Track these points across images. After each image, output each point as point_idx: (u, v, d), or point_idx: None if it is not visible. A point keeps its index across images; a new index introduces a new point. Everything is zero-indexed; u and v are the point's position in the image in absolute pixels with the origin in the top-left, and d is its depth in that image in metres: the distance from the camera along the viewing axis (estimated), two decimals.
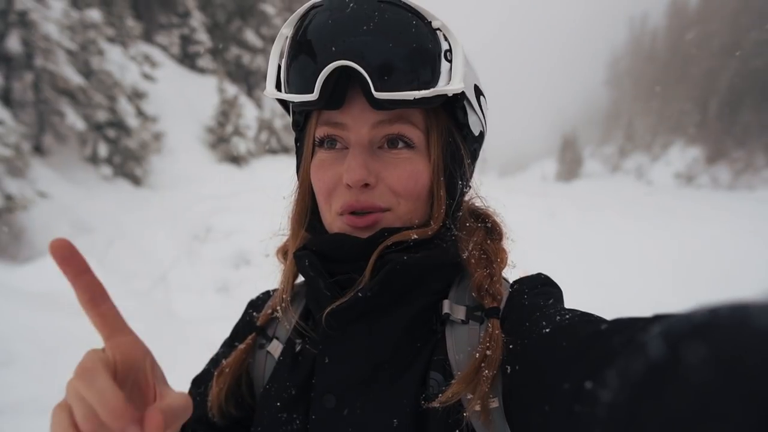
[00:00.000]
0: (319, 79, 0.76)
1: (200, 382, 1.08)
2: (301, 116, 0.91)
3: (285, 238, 1.01)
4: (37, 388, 3.96)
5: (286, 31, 0.85)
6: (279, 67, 0.87)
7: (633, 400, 0.40)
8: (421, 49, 0.78)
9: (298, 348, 0.94)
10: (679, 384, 0.35)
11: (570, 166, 70.36)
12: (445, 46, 0.81)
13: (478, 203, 0.99)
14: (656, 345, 0.40)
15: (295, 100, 0.82)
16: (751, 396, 0.31)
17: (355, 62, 0.75)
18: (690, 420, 0.33)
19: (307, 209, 0.95)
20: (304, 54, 0.80)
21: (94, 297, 0.62)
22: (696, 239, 12.39)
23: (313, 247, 0.89)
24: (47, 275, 6.77)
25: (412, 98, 0.77)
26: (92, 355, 0.59)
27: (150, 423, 0.56)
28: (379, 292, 0.81)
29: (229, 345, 1.07)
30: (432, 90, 0.78)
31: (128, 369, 0.61)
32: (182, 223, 13.35)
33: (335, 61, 0.75)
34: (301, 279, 0.99)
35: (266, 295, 1.11)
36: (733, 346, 0.33)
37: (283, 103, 0.94)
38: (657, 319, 0.48)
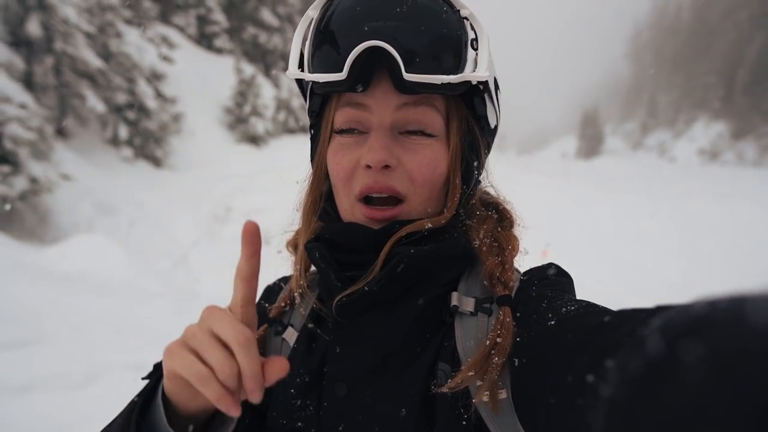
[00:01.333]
0: (349, 58, 0.76)
1: None
2: (318, 100, 0.90)
3: (295, 230, 1.01)
4: (67, 364, 4.08)
5: (312, 12, 0.85)
6: (302, 48, 0.86)
7: (632, 398, 0.40)
8: (450, 35, 0.79)
9: (315, 334, 0.95)
10: (676, 383, 0.36)
11: (590, 143, 69.32)
12: (471, 34, 0.82)
13: (490, 191, 0.99)
14: (655, 341, 0.40)
15: (322, 80, 0.81)
16: (747, 398, 0.31)
17: (388, 43, 0.75)
18: (688, 421, 0.34)
19: (322, 196, 0.95)
20: (333, 34, 0.80)
21: (253, 275, 0.70)
22: (720, 218, 12.18)
23: (326, 234, 0.90)
24: (73, 256, 6.94)
25: (439, 82, 0.77)
26: (233, 322, 0.65)
27: (275, 366, 0.65)
28: (386, 285, 0.82)
29: None
30: (459, 76, 0.78)
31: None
32: (203, 204, 13.52)
33: (367, 41, 0.75)
34: (314, 269, 0.99)
35: (283, 282, 1.11)
36: (730, 344, 0.33)
37: (301, 87, 0.93)
38: (658, 311, 0.48)
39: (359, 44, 0.75)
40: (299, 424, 0.89)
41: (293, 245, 1.01)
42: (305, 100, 0.94)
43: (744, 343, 0.32)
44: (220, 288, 8.82)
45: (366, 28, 0.77)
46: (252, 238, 0.68)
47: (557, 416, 0.57)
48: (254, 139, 21.63)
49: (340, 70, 0.77)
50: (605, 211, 13.64)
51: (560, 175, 20.51)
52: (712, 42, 71.68)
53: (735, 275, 8.67)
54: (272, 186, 12.81)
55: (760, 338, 0.32)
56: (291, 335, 0.98)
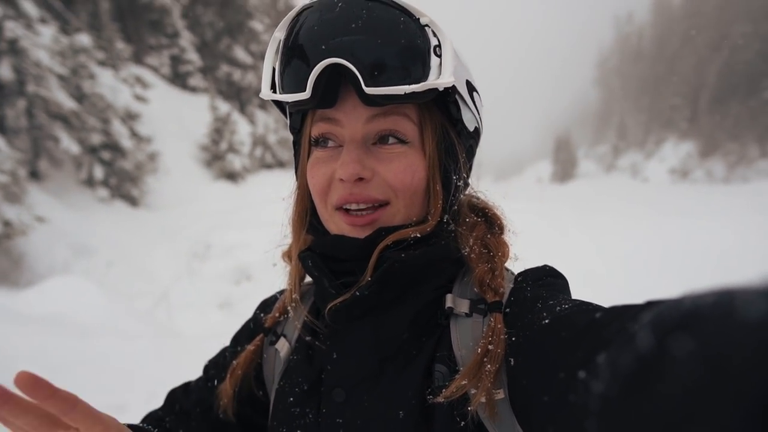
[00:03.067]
0: (310, 77, 0.77)
1: (209, 369, 1.12)
2: (298, 117, 0.91)
3: (289, 242, 1.02)
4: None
5: (279, 34, 0.87)
6: (273, 69, 0.88)
7: (623, 395, 0.41)
8: (410, 44, 0.79)
9: (309, 344, 0.96)
10: (667, 379, 0.36)
11: (564, 167, 70.47)
12: (434, 41, 0.82)
13: (479, 196, 0.99)
14: (645, 336, 0.41)
15: (290, 100, 0.82)
16: (737, 394, 0.31)
17: (345, 59, 0.76)
18: (679, 416, 0.34)
19: (307, 210, 0.96)
20: (296, 55, 0.82)
21: (66, 408, 0.66)
22: (693, 235, 12.44)
23: (317, 249, 0.91)
24: (50, 298, 6.81)
25: (402, 93, 0.78)
26: None
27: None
28: (378, 290, 0.82)
29: (237, 341, 1.11)
30: (422, 84, 0.78)
31: None
32: (181, 242, 13.39)
33: (325, 59, 0.76)
34: (309, 279, 1.01)
35: (279, 294, 1.12)
36: (720, 339, 0.34)
37: (280, 106, 0.95)
38: (648, 306, 0.49)
39: (318, 63, 0.77)
40: (298, 431, 0.90)
41: (288, 256, 1.02)
42: (286, 117, 0.96)
43: (734, 337, 0.33)
44: (201, 326, 8.72)
45: (323, 47, 0.78)
46: (27, 386, 0.63)
47: (551, 414, 0.58)
48: (231, 176, 21.60)
49: (304, 90, 0.79)
50: (581, 231, 13.84)
51: (536, 199, 20.77)
52: (674, 65, 74.28)
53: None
54: (251, 221, 12.76)
55: (749, 332, 0.32)
56: (283, 345, 0.99)
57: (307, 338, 0.95)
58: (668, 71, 77.05)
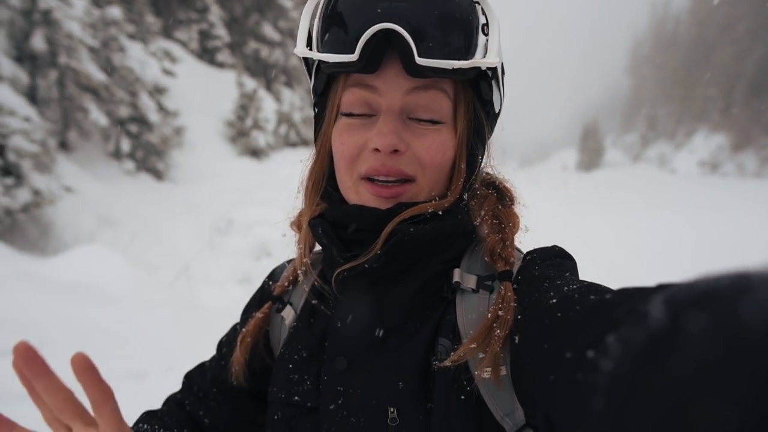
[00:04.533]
0: (362, 39, 0.75)
1: (222, 346, 1.13)
2: (323, 79, 0.88)
3: (298, 211, 1.01)
4: (68, 372, 4.08)
5: None
6: (311, 25, 0.86)
7: (634, 371, 0.40)
8: (462, 20, 0.79)
9: (314, 310, 0.96)
10: (680, 355, 0.35)
11: (591, 155, 69.28)
12: (482, 19, 0.82)
13: (489, 171, 0.99)
14: (658, 314, 0.40)
15: (332, 60, 0.79)
16: (752, 370, 0.30)
17: (401, 26, 0.74)
18: (691, 392, 0.33)
19: (324, 176, 0.95)
20: (345, 14, 0.79)
21: (99, 400, 0.72)
22: (721, 229, 12.18)
23: (330, 218, 0.89)
24: (75, 266, 6.97)
25: (451, 68, 0.77)
26: None
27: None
28: (386, 262, 0.82)
29: (246, 312, 1.12)
30: (471, 61, 0.78)
31: None
32: (204, 216, 13.56)
33: (380, 23, 0.74)
34: (318, 248, 1.00)
35: (288, 263, 1.12)
36: (734, 317, 0.33)
37: (306, 64, 0.92)
38: (660, 288, 0.48)
39: (372, 26, 0.74)
40: (296, 398, 0.90)
41: (297, 225, 1.01)
42: (310, 79, 0.93)
43: (750, 314, 0.32)
44: (220, 299, 8.86)
45: (379, 10, 0.76)
46: (25, 357, 0.69)
47: (556, 392, 0.57)
48: (255, 152, 21.71)
49: (352, 52, 0.76)
50: (606, 221, 13.67)
51: (561, 186, 20.56)
52: (711, 55, 72.05)
53: None
54: (273, 198, 12.85)
55: (765, 306, 0.32)
56: (288, 313, 1.00)
57: (314, 302, 0.95)
58: (704, 61, 74.83)
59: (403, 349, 0.83)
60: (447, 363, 0.76)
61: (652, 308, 0.42)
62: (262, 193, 14.28)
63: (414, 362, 0.81)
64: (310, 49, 0.85)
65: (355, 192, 0.88)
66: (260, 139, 21.76)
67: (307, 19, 0.85)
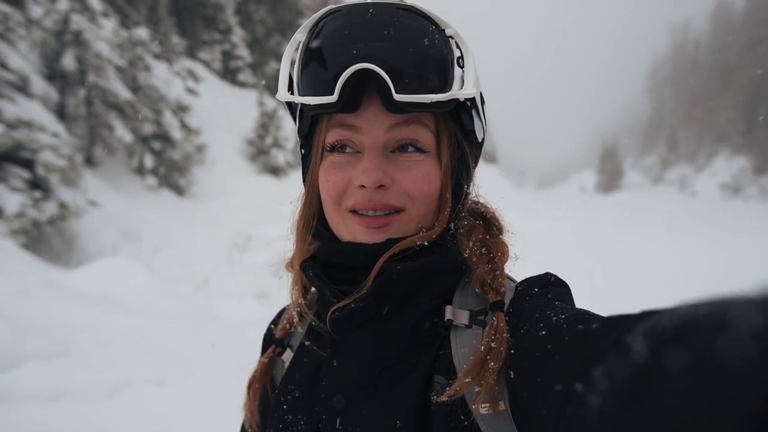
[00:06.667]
0: (340, 80, 0.76)
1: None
2: (307, 121, 0.90)
3: (292, 252, 1.02)
4: (92, 376, 4.25)
5: (299, 36, 0.86)
6: (291, 71, 0.87)
7: (619, 409, 0.41)
8: (437, 55, 0.81)
9: (307, 350, 0.97)
10: (663, 392, 0.36)
11: (610, 177, 68.74)
12: (457, 53, 0.83)
13: (477, 201, 1.00)
14: (640, 349, 0.41)
15: (312, 103, 0.81)
16: (732, 405, 0.31)
17: (377, 65, 0.76)
18: (677, 430, 0.34)
19: (315, 216, 0.96)
20: (322, 57, 0.81)
21: None
22: (743, 253, 11.97)
23: (322, 256, 0.91)
24: (99, 277, 7.13)
25: (429, 101, 0.79)
26: None
27: None
28: (375, 301, 0.83)
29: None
30: (448, 94, 0.80)
31: None
32: (223, 232, 13.73)
33: (356, 63, 0.76)
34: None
35: (287, 307, 1.12)
36: (715, 351, 0.34)
37: (290, 109, 0.94)
38: (643, 316, 0.49)
39: (349, 67, 0.76)
40: None
41: (290, 267, 1.02)
42: (295, 122, 0.95)
43: (728, 349, 0.33)
44: (238, 312, 8.94)
45: (355, 51, 0.78)
46: None
47: (549, 426, 0.58)
48: (274, 170, 22.00)
49: (331, 93, 0.78)
50: (625, 244, 13.53)
51: (580, 208, 20.41)
52: (732, 77, 71.52)
53: None
54: (291, 215, 12.92)
55: (743, 344, 0.32)
56: (288, 356, 1.02)
57: (307, 343, 0.96)
58: (725, 82, 74.22)
59: (400, 387, 0.83)
60: (444, 398, 0.76)
61: (635, 341, 0.43)
62: (280, 210, 14.37)
63: (411, 400, 0.81)
64: (292, 94, 0.87)
65: (344, 226, 0.89)
66: (279, 157, 22.06)
67: (286, 65, 0.87)
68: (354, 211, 0.86)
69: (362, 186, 0.82)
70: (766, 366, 0.31)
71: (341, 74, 0.76)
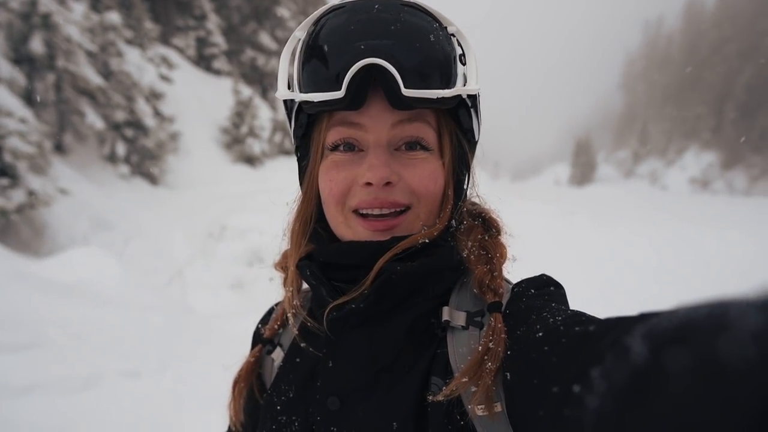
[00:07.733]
0: (347, 75, 0.76)
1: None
2: (304, 121, 0.89)
3: (283, 252, 1.01)
4: (65, 369, 4.16)
5: (299, 33, 0.86)
6: (291, 68, 0.87)
7: (618, 410, 0.41)
8: (442, 51, 0.81)
9: (300, 350, 0.96)
10: (663, 394, 0.36)
11: (583, 170, 69.87)
12: (459, 50, 0.85)
13: (475, 200, 0.99)
14: (639, 349, 0.41)
15: (317, 99, 0.80)
16: (732, 407, 0.31)
17: (385, 60, 0.76)
18: (676, 430, 0.34)
19: (312, 217, 0.95)
20: (326, 53, 0.80)
21: None
22: (711, 245, 12.30)
23: (319, 257, 0.89)
24: (70, 267, 6.99)
25: (435, 97, 0.79)
26: None
27: None
28: (374, 302, 0.82)
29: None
30: (453, 90, 0.81)
31: None
32: (198, 222, 13.57)
33: (364, 58, 0.75)
34: (305, 287, 1.01)
35: (274, 307, 1.12)
36: (715, 352, 0.33)
37: (286, 108, 0.93)
38: (642, 318, 0.49)
39: (357, 62, 0.75)
40: None
41: (282, 266, 1.01)
42: (290, 122, 0.93)
43: (728, 349, 0.33)
44: (213, 303, 8.87)
45: (362, 47, 0.77)
46: None
47: (546, 428, 0.58)
48: (250, 160, 21.79)
49: (338, 89, 0.77)
50: (597, 236, 13.76)
51: (554, 201, 20.65)
52: (702, 74, 73.05)
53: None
54: (267, 205, 12.86)
55: (744, 345, 0.32)
56: (278, 355, 1.01)
57: (302, 345, 0.95)
58: (695, 79, 75.82)
59: (396, 388, 0.82)
60: (440, 397, 0.76)
61: (634, 342, 0.43)
62: (255, 200, 14.31)
63: (407, 401, 0.80)
64: (292, 92, 0.86)
65: (347, 227, 0.88)
66: (255, 146, 21.84)
67: (286, 63, 0.86)
68: (358, 213, 0.85)
69: (368, 183, 0.82)
70: (767, 367, 0.31)
71: (349, 69, 0.76)
